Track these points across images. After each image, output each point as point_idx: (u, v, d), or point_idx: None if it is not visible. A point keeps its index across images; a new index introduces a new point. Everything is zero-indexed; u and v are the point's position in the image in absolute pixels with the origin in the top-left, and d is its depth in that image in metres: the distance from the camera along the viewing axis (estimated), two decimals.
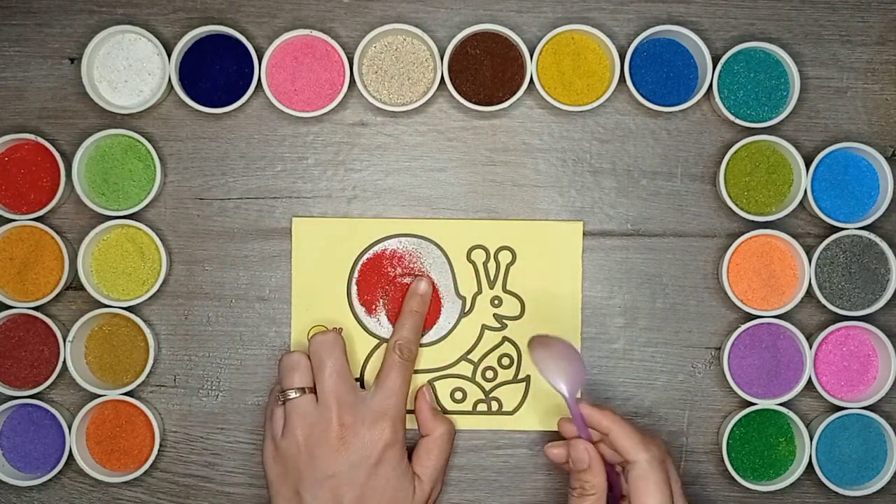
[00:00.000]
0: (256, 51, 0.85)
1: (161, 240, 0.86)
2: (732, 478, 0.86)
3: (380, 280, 0.87)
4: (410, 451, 0.83)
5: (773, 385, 0.86)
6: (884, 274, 0.85)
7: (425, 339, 0.87)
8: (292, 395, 0.79)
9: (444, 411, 0.87)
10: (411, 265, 0.87)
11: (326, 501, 0.78)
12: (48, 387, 0.85)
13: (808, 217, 0.88)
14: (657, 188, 0.88)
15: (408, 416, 0.84)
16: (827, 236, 0.85)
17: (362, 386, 0.87)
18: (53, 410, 0.85)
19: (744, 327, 0.86)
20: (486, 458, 0.88)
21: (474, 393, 0.87)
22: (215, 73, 0.86)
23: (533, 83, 0.86)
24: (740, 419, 0.85)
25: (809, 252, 0.86)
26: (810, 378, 0.85)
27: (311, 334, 0.85)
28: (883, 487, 0.86)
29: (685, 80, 0.86)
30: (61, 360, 0.85)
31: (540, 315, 0.87)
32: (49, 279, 0.85)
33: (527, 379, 0.87)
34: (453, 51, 0.85)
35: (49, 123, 0.87)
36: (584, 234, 0.87)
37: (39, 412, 0.86)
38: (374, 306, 0.87)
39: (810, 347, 0.85)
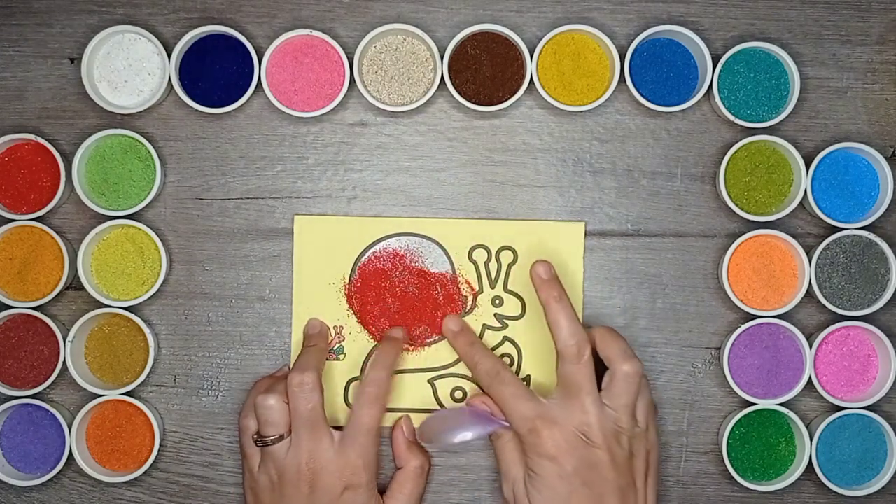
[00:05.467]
0: (256, 51, 0.85)
1: (161, 240, 0.86)
2: (732, 478, 0.86)
3: (381, 279, 0.87)
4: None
5: (773, 385, 0.86)
6: (884, 274, 0.86)
7: (427, 339, 0.87)
8: (268, 441, 0.80)
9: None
10: (412, 264, 0.87)
11: None
12: (48, 387, 0.85)
13: (808, 217, 0.88)
14: (657, 188, 0.88)
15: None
16: (827, 236, 0.85)
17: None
18: (53, 410, 0.85)
19: (744, 327, 0.86)
20: (487, 458, 0.88)
21: (475, 392, 0.87)
22: (215, 73, 0.86)
23: (533, 83, 0.86)
24: (740, 419, 0.85)
25: (809, 252, 0.86)
26: (810, 378, 0.85)
27: (305, 329, 0.86)
28: (883, 487, 0.86)
29: (685, 80, 0.86)
30: (61, 360, 0.85)
31: (540, 315, 0.87)
32: (49, 279, 0.85)
33: (527, 379, 0.87)
34: (453, 51, 0.85)
35: (49, 123, 0.87)
36: (585, 234, 0.87)
37: (39, 412, 0.86)
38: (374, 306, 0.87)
39: (810, 347, 0.85)
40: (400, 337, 0.86)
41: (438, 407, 0.87)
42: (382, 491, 0.84)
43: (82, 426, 0.86)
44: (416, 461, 0.84)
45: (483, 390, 0.83)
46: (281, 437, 0.80)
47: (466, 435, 0.80)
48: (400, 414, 0.87)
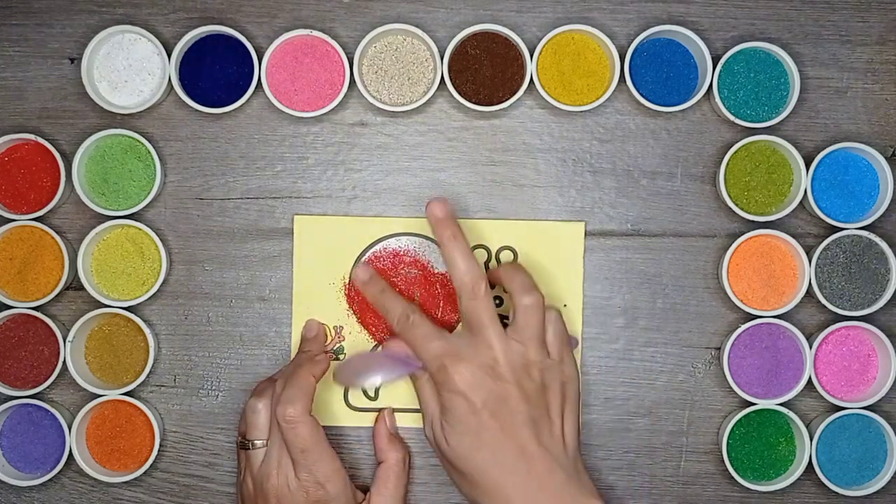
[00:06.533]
0: (256, 51, 0.85)
1: (161, 240, 0.86)
2: (732, 478, 0.86)
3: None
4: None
5: (773, 385, 0.86)
6: (884, 274, 0.86)
7: None
8: (249, 444, 0.81)
9: None
10: (413, 264, 0.87)
11: None
12: (48, 387, 0.85)
13: (808, 217, 0.88)
14: (657, 188, 0.88)
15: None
16: (827, 236, 0.85)
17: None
18: (53, 410, 0.85)
19: (744, 327, 0.86)
20: None
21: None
22: (215, 73, 0.86)
23: (533, 83, 0.86)
24: (740, 419, 0.85)
25: (809, 252, 0.86)
26: (810, 378, 0.85)
27: (303, 331, 0.86)
28: (883, 487, 0.86)
29: (685, 80, 0.86)
30: (61, 360, 0.85)
31: None
32: (49, 279, 0.85)
33: None
34: (453, 51, 0.85)
35: (49, 123, 0.87)
36: (585, 234, 0.88)
37: (39, 412, 0.86)
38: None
39: (810, 347, 0.85)
40: (315, 334, 0.86)
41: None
42: (366, 489, 0.84)
43: (82, 426, 0.86)
44: (398, 454, 0.84)
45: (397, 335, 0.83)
46: (263, 443, 0.80)
47: (376, 379, 0.81)
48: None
